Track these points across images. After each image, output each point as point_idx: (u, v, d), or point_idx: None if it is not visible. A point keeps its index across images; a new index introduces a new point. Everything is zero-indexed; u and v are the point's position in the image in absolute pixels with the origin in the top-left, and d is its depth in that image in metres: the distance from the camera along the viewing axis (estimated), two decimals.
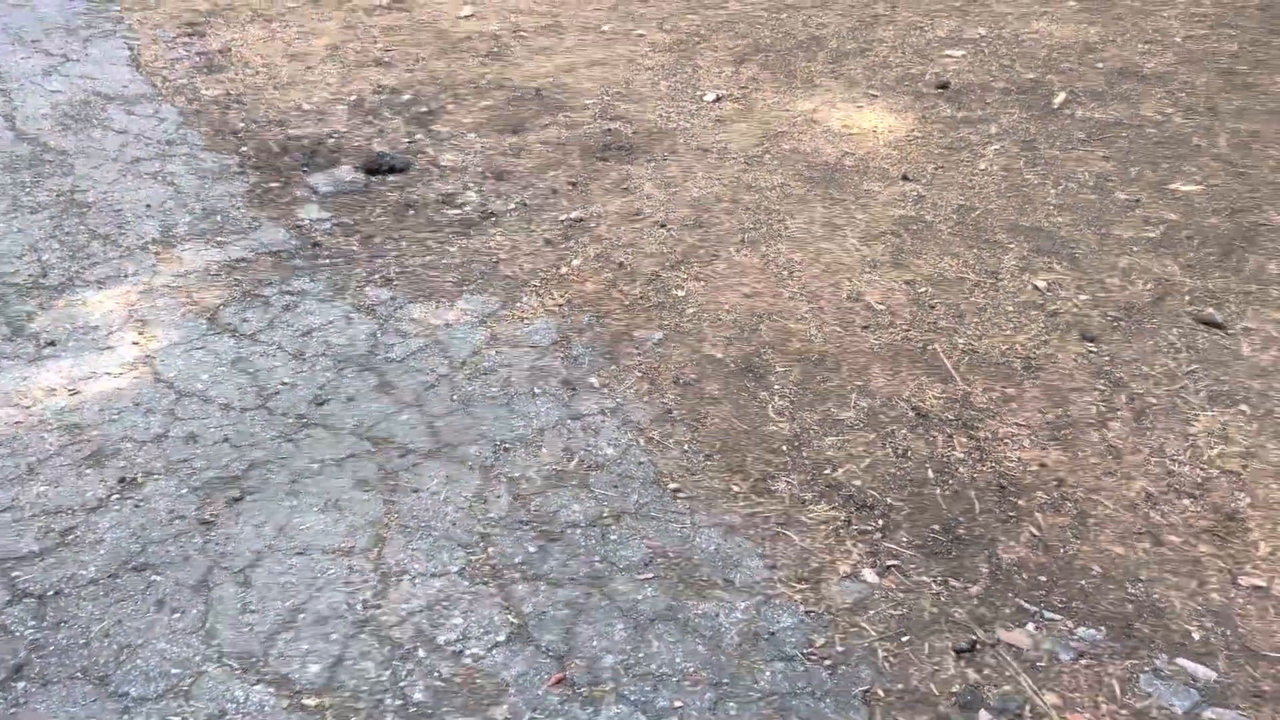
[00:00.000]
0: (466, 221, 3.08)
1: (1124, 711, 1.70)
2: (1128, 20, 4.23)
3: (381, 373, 2.46)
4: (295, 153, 3.36)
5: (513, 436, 2.27)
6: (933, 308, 2.73)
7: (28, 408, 2.31)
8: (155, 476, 2.12)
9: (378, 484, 2.12)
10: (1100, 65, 3.90)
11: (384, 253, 2.93)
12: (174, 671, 1.71)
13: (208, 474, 2.13)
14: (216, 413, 2.31)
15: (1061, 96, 3.67)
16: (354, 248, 2.95)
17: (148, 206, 3.10)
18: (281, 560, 1.92)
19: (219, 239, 2.96)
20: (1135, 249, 2.93)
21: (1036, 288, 2.80)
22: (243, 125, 3.49)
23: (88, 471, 2.13)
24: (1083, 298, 2.76)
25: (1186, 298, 2.76)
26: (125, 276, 2.78)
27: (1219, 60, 3.91)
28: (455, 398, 2.39)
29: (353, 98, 3.68)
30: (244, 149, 3.35)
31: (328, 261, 2.88)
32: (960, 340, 2.62)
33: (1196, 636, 1.83)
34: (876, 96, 3.72)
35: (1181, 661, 1.78)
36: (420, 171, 3.29)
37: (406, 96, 3.69)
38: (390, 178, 3.24)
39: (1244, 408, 2.38)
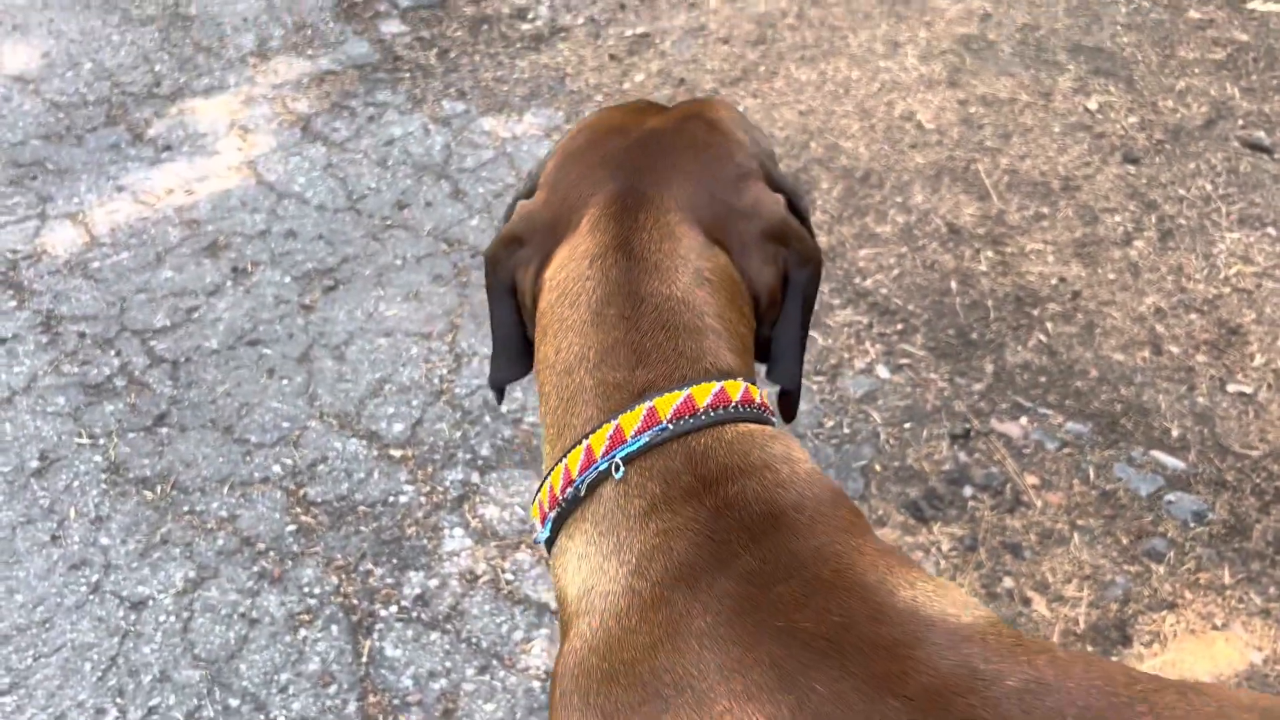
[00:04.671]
0: (537, 36, 3.22)
1: (1093, 492, 1.93)
2: None
3: (455, 181, 2.70)
4: None
5: None
6: (981, 128, 2.82)
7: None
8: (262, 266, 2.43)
9: (451, 279, 2.40)
10: None
11: (458, 67, 3.10)
12: (285, 424, 2.06)
13: (306, 266, 2.44)
14: (313, 213, 2.60)
15: None
16: (431, 61, 3.13)
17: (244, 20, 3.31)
18: (371, 340, 2.24)
19: (309, 51, 3.17)
20: (1196, 71, 2.93)
21: (1088, 109, 2.85)
22: None
23: (205, 260, 2.46)
24: (1132, 120, 2.81)
25: (1239, 121, 2.78)
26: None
27: None
28: None
29: None
30: None
31: (407, 75, 3.08)
32: (1003, 160, 2.72)
33: (1175, 433, 2.03)
34: None
35: (1156, 453, 1.99)
36: None
37: None
38: None
39: (1270, 230, 2.47)
